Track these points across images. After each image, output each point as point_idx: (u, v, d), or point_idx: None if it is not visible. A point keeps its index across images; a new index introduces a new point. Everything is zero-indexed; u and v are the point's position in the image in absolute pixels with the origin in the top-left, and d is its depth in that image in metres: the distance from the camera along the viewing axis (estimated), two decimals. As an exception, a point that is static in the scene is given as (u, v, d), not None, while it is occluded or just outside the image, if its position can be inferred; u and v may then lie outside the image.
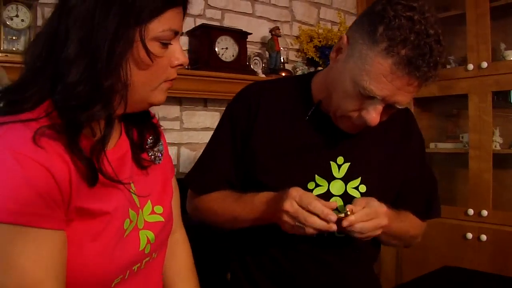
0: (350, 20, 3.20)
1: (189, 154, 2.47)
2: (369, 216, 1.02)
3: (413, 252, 2.78)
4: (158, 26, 0.78)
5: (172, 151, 2.42)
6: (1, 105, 0.77)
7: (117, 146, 0.89)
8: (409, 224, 1.25)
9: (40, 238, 0.69)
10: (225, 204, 1.22)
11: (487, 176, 2.53)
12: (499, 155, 2.59)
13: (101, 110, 0.76)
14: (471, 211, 2.58)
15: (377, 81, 0.99)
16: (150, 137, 0.97)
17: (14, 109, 0.75)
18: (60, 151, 0.73)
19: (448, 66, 2.78)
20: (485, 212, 2.53)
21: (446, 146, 2.84)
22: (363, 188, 1.18)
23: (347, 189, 1.17)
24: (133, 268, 0.87)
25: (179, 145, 2.47)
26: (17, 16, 1.86)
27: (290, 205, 1.01)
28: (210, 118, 2.54)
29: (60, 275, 0.72)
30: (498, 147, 2.58)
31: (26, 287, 0.67)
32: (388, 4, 0.99)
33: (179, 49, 0.85)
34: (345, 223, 0.99)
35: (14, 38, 1.88)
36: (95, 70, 0.74)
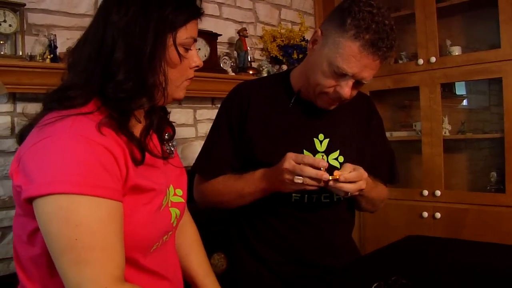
0: (308, 20, 3.42)
1: (166, 150, 2.61)
2: (357, 178, 1.25)
3: (374, 232, 3.04)
4: (184, 34, 0.97)
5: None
6: (55, 101, 0.93)
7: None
8: (380, 189, 1.53)
9: (109, 208, 0.84)
10: (229, 183, 1.42)
11: (438, 160, 2.82)
12: (449, 141, 2.89)
13: (147, 101, 0.96)
14: (425, 192, 2.87)
15: (348, 61, 1.24)
16: (166, 134, 1.15)
17: (70, 104, 0.90)
18: (115, 137, 0.90)
19: (400, 61, 3.05)
20: (438, 192, 2.81)
21: (400, 135, 3.12)
22: (341, 159, 1.41)
23: (328, 160, 1.40)
24: (164, 238, 1.05)
25: (156, 141, 2.60)
26: (4, 21, 1.93)
27: (288, 163, 1.24)
28: (185, 115, 2.67)
29: (123, 239, 0.88)
30: (447, 133, 2.87)
31: (101, 248, 0.82)
32: (353, 2, 1.26)
33: (196, 54, 1.03)
34: (341, 178, 1.22)
35: (1, 42, 1.96)
36: (139, 69, 0.91)
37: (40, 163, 0.82)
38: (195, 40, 1.01)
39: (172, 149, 1.15)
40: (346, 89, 1.29)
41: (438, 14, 2.79)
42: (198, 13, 1.00)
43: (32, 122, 0.93)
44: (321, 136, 1.42)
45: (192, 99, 2.67)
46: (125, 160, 0.90)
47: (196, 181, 1.51)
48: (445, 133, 2.85)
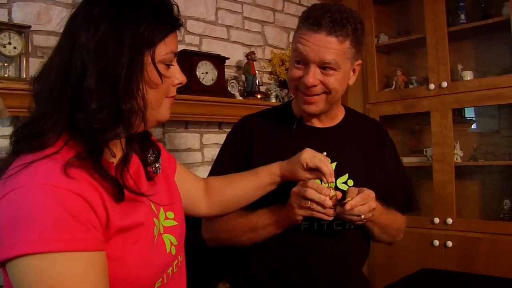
0: (318, 44, 3.39)
1: (172, 174, 2.56)
2: (364, 200, 1.22)
3: (384, 261, 2.96)
4: (163, 50, 0.89)
5: (156, 171, 2.50)
6: (23, 140, 0.83)
7: (131, 161, 0.96)
8: (395, 216, 1.48)
9: (86, 261, 0.76)
10: (242, 218, 1.37)
11: (450, 187, 2.75)
12: (460, 167, 2.82)
13: (123, 130, 0.86)
14: (437, 220, 2.79)
15: (302, 44, 1.29)
16: (150, 155, 1.07)
17: (38, 144, 0.81)
18: (88, 178, 0.81)
19: (410, 86, 3.00)
20: (449, 220, 2.74)
21: (410, 160, 3.05)
22: (351, 183, 1.37)
23: (337, 184, 1.36)
24: (168, 272, 0.97)
25: (162, 165, 2.56)
26: (9, 43, 1.91)
27: (296, 188, 1.27)
28: (191, 139, 2.63)
29: None
30: (459, 160, 2.80)
31: None
32: None
33: (179, 70, 0.96)
34: (347, 207, 1.19)
35: (6, 64, 1.93)
36: (115, 95, 0.82)
37: (5, 222, 0.74)
38: (175, 55, 0.93)
39: (158, 165, 1.07)
40: (309, 77, 1.28)
41: (449, 38, 2.75)
42: (176, 25, 0.93)
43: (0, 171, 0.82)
44: None
45: (199, 124, 2.64)
46: (103, 202, 0.81)
47: (205, 219, 1.46)
48: (456, 159, 2.79)
